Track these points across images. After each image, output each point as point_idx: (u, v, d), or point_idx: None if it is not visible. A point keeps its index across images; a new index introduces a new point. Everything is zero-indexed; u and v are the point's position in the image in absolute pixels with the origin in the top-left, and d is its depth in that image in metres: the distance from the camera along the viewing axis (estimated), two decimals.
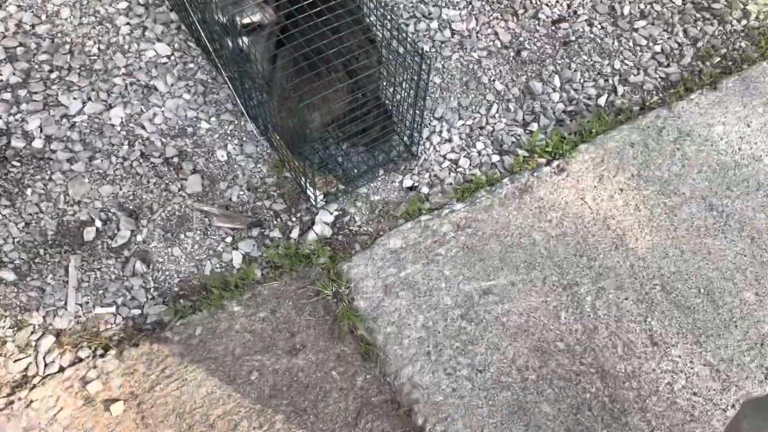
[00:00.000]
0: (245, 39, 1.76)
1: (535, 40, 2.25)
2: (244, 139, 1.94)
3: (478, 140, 2.03)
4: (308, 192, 1.82)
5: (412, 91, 1.76)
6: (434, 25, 2.23)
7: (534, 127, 2.07)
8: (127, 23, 2.10)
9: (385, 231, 1.83)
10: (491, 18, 2.27)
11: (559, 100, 2.13)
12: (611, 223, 1.88)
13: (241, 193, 1.86)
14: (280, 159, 1.89)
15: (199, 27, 1.89)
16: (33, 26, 2.06)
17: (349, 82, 1.70)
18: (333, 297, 1.69)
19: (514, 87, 2.15)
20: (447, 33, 2.22)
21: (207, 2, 1.74)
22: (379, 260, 1.77)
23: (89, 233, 1.73)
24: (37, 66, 1.99)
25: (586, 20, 2.30)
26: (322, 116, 1.81)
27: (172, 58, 2.05)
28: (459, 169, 1.98)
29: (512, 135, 2.05)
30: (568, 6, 2.33)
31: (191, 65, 2.05)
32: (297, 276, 1.73)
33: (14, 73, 1.96)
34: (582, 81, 2.18)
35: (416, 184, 1.93)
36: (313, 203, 1.84)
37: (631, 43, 2.27)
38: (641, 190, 1.94)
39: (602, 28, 2.30)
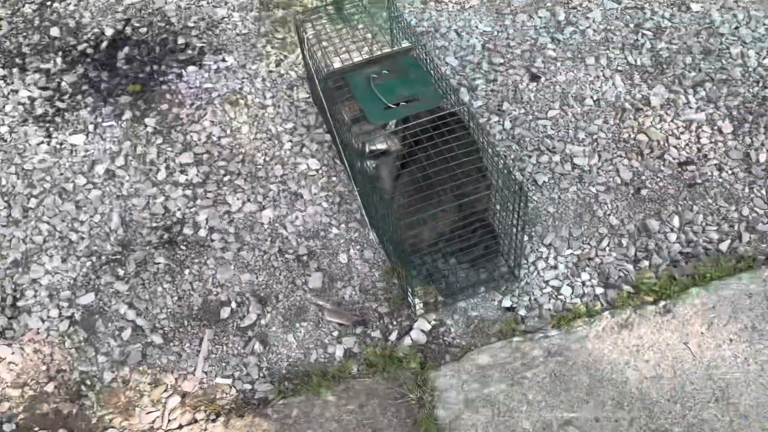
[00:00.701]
0: (372, 162, 2.06)
1: (658, 179, 2.29)
2: (365, 245, 2.20)
3: (584, 271, 2.10)
4: (410, 300, 2.00)
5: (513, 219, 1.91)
6: (557, 158, 2.38)
7: (644, 264, 2.09)
8: (290, 140, 2.52)
9: (476, 346, 1.94)
10: (614, 155, 2.37)
11: (675, 241, 2.14)
12: (714, 374, 1.81)
13: (353, 293, 2.09)
14: (392, 267, 2.11)
15: (341, 149, 2.23)
16: (219, 138, 2.55)
17: (453, 204, 1.90)
18: (417, 402, 1.82)
19: (630, 223, 2.20)
20: (568, 166, 2.35)
21: (347, 130, 2.08)
22: (466, 374, 1.88)
23: (225, 312, 2.07)
24: (215, 170, 2.45)
25: (715, 164, 2.30)
26: (430, 232, 2.02)
27: (320, 171, 2.41)
28: (560, 297, 2.05)
29: (620, 270, 2.09)
30: (698, 150, 2.35)
31: (334, 178, 2.39)
32: (388, 376, 1.89)
33: (197, 174, 2.43)
34: (704, 224, 2.17)
35: (514, 306, 2.03)
36: (414, 311, 2.01)
37: (764, 191, 2.22)
38: (754, 343, 1.86)
39: (733, 173, 2.28)
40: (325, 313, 2.04)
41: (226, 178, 2.42)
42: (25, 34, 3.03)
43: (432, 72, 2.12)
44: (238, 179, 2.41)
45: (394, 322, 2.03)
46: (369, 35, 2.41)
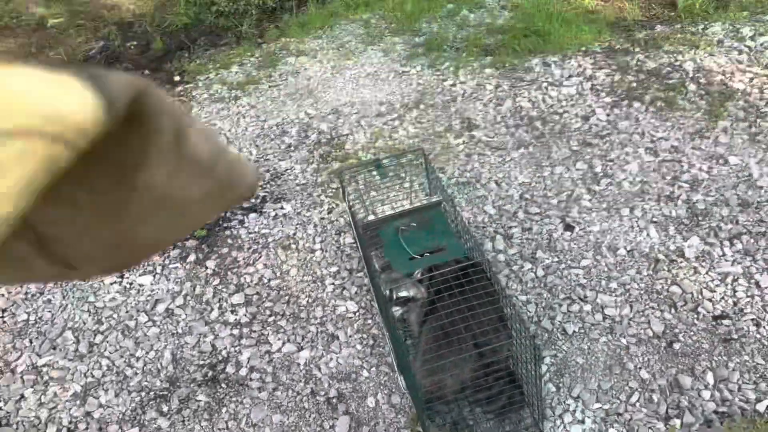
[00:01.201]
0: (399, 308, 2.17)
1: (692, 333, 2.26)
2: (393, 390, 2.26)
3: (612, 427, 2.06)
4: None
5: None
6: (587, 308, 2.41)
7: (676, 422, 2.03)
8: (332, 283, 2.69)
9: None
10: (647, 306, 2.37)
11: (710, 399, 2.07)
12: None
13: None
14: (417, 414, 2.15)
15: (375, 294, 2.37)
16: (269, 280, 2.76)
17: (471, 352, 1.96)
18: None
19: (662, 378, 2.16)
20: (598, 316, 2.37)
21: (377, 277, 2.22)
22: None
23: None
24: (262, 310, 2.63)
25: (752, 320, 2.26)
26: (453, 380, 2.07)
27: (357, 313, 2.54)
28: None
29: (650, 428, 2.04)
30: (734, 304, 2.32)
31: (369, 321, 2.51)
32: None
33: (245, 314, 2.62)
34: (740, 382, 2.10)
35: None
36: None
37: None
38: None
39: None
40: None
41: (270, 319, 2.59)
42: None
43: (456, 225, 2.27)
44: (281, 320, 2.58)
45: None
46: (407, 189, 2.63)
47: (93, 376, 2.46)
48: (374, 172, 2.52)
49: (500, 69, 3.96)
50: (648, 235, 2.63)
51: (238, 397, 2.32)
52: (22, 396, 2.40)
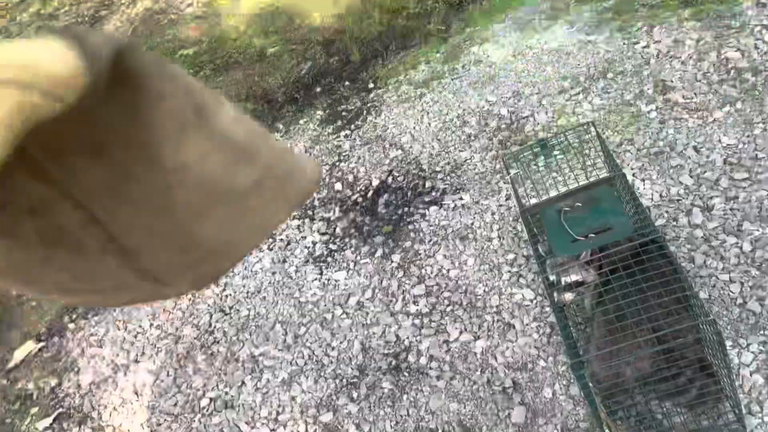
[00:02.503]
0: (570, 294, 2.06)
1: None
2: (572, 380, 2.15)
3: None
4: None
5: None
6: None
7: None
8: (509, 271, 2.64)
9: None
10: None
11: None
12: None
13: (555, 431, 2.05)
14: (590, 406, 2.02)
15: (543, 281, 2.28)
16: (448, 270, 2.81)
17: (649, 337, 1.79)
18: None
19: None
20: None
21: (542, 263, 2.14)
22: None
23: None
24: (441, 300, 2.69)
25: None
26: (631, 370, 1.90)
27: (534, 302, 2.47)
28: None
29: None
30: None
31: (546, 309, 2.41)
32: None
33: (425, 305, 2.70)
34: None
35: None
36: None
37: None
38: None
39: None
40: None
41: (449, 308, 2.63)
42: (318, 190, 3.78)
43: (629, 202, 2.08)
44: (458, 309, 2.60)
45: None
46: (576, 167, 2.47)
47: (297, 365, 2.73)
48: (539, 154, 2.42)
49: (703, 19, 3.50)
50: None
51: (418, 385, 2.40)
52: (243, 382, 2.76)
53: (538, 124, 3.38)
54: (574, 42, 3.92)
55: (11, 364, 3.49)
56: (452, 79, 4.21)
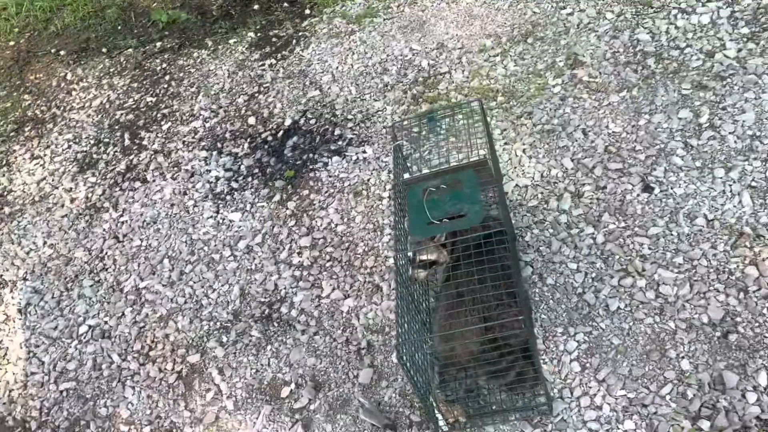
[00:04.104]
0: (423, 271, 2.16)
1: (756, 325, 1.96)
2: (419, 348, 2.29)
3: (630, 419, 1.90)
4: (436, 415, 2.05)
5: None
6: (641, 283, 2.18)
7: (704, 424, 1.82)
8: (389, 234, 2.72)
9: None
10: (710, 288, 2.09)
11: (755, 402, 1.82)
12: None
13: (393, 395, 2.20)
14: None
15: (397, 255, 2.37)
16: (336, 225, 2.87)
17: (478, 326, 1.91)
18: None
19: (705, 372, 1.93)
20: (651, 294, 2.14)
21: (403, 240, 2.22)
22: None
23: (285, 392, 2.35)
24: (323, 254, 2.77)
25: None
26: (462, 348, 2.05)
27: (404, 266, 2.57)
28: None
29: (673, 425, 1.85)
30: None
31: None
32: None
33: (308, 258, 2.77)
34: None
35: None
36: (440, 427, 2.05)
37: None
38: None
39: None
40: (361, 412, 2.18)
41: (328, 264, 2.72)
42: (232, 121, 3.75)
43: (496, 188, 2.15)
44: (336, 266, 2.69)
45: None
46: (457, 144, 2.52)
47: (176, 303, 2.81)
48: (426, 125, 2.45)
49: None
50: (740, 202, 2.26)
51: (284, 336, 2.52)
52: (123, 314, 2.83)
53: (453, 83, 3.39)
54: None
55: None
56: (384, 19, 4.12)
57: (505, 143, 2.91)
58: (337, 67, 3.87)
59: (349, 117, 3.45)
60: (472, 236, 2.03)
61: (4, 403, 2.63)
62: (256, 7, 5.15)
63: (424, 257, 2.13)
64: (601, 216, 2.41)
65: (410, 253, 2.15)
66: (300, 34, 4.39)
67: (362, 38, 4.04)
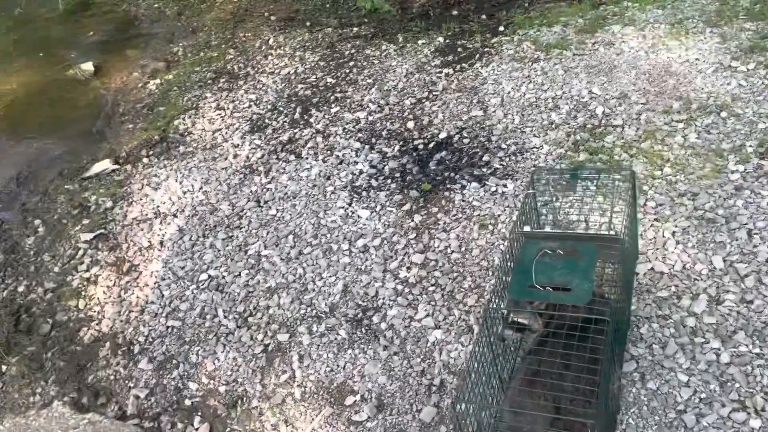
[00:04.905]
0: (510, 333, 2.07)
1: None
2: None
3: None
4: None
5: None
6: (755, 423, 1.91)
7: None
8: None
9: None
10: None
11: None
12: None
13: None
14: None
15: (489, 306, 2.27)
16: (452, 252, 2.83)
17: (549, 415, 1.79)
18: None
19: None
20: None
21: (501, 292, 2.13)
22: None
23: (349, 400, 2.37)
24: (429, 277, 2.74)
25: None
26: (525, 428, 1.93)
27: None
28: None
29: None
30: None
31: None
32: None
33: (415, 275, 2.76)
34: None
35: None
36: None
37: None
38: None
39: None
40: None
41: (431, 288, 2.70)
42: (392, 121, 3.83)
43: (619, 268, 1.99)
44: (438, 293, 2.66)
45: None
46: (593, 209, 2.36)
47: (286, 280, 2.95)
48: (567, 180, 2.32)
49: None
50: None
51: (366, 345, 2.55)
52: (239, 274, 3.03)
53: (622, 139, 3.17)
54: (714, 61, 3.52)
55: (87, 174, 4.00)
56: (573, 54, 3.96)
57: (656, 219, 2.67)
58: (509, 92, 3.79)
59: (503, 146, 3.37)
60: (572, 315, 1.90)
61: (122, 321, 2.94)
62: (455, 12, 5.18)
63: (517, 319, 2.03)
64: (735, 333, 2.14)
65: (504, 310, 2.06)
66: (486, 49, 4.35)
67: (544, 68, 3.91)
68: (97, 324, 2.98)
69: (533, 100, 3.66)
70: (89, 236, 3.47)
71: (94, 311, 3.03)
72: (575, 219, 2.53)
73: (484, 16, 5.10)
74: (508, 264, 2.08)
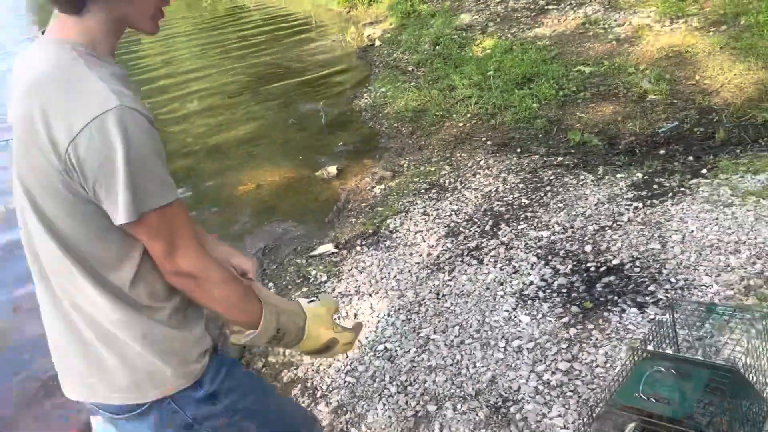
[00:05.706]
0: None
1: None
2: None
3: None
4: None
5: None
6: None
7: None
8: None
9: None
10: None
11: None
12: None
13: None
14: None
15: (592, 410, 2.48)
16: (596, 367, 3.08)
17: None
18: None
19: None
20: None
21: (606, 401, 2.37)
22: None
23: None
24: (569, 384, 3.02)
25: None
26: None
27: None
28: None
29: None
30: None
31: None
32: None
33: (557, 380, 3.06)
34: None
35: None
36: None
37: None
38: None
39: None
40: None
41: (569, 393, 2.96)
42: (572, 242, 4.20)
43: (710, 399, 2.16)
44: (573, 398, 2.92)
45: None
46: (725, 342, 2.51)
47: (444, 361, 3.41)
48: (704, 312, 2.53)
49: None
50: None
51: (498, 429, 2.88)
52: (408, 350, 3.57)
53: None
54: None
55: (313, 252, 4.94)
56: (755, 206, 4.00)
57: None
58: (692, 231, 3.95)
59: (672, 280, 3.54)
60: (661, 425, 2.09)
61: (313, 370, 3.63)
62: (662, 151, 5.45)
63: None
64: None
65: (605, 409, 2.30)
66: (682, 189, 4.55)
67: (735, 214, 4.01)
68: (295, 369, 3.71)
69: (715, 242, 3.78)
70: (305, 302, 4.30)
71: (298, 359, 3.77)
72: (707, 349, 2.65)
73: (690, 158, 5.28)
74: (622, 374, 2.34)
